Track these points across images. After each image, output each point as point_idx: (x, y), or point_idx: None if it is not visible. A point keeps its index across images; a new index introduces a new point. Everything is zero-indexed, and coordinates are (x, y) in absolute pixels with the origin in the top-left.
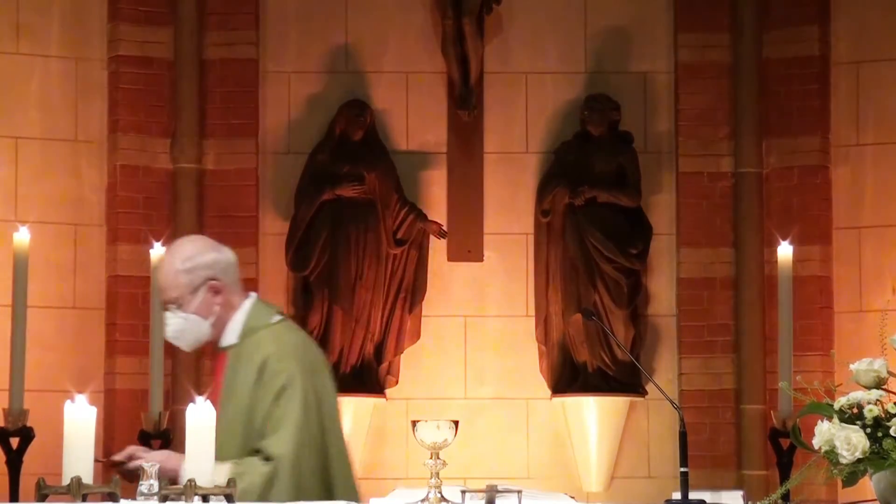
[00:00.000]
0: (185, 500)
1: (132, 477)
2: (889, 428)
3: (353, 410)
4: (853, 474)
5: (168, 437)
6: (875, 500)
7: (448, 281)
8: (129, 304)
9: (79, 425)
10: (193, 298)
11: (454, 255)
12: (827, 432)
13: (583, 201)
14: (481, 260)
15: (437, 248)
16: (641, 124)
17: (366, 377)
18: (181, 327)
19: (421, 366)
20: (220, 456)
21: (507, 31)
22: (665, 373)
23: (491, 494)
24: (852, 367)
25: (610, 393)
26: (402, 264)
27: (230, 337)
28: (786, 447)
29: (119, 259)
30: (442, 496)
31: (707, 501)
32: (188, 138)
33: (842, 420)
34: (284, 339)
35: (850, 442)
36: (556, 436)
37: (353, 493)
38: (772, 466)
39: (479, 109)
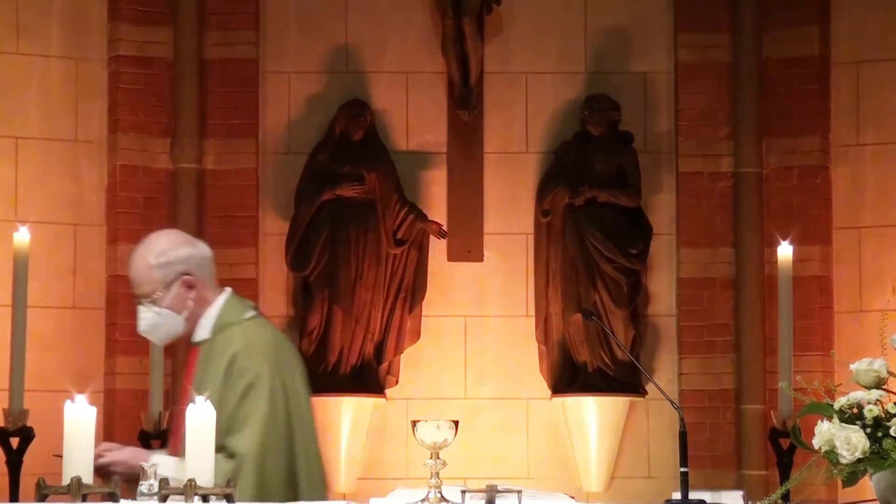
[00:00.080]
0: (186, 501)
1: (102, 475)
2: (889, 428)
3: (353, 410)
4: (853, 474)
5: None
6: (875, 500)
7: (448, 281)
8: (129, 304)
9: (79, 425)
10: (167, 293)
11: (454, 255)
12: (827, 432)
13: (583, 201)
14: (481, 260)
15: (437, 248)
16: (641, 124)
17: (366, 377)
18: (154, 322)
19: (421, 366)
20: None
21: (507, 31)
22: (665, 373)
23: (491, 494)
24: (852, 367)
25: (610, 393)
26: (402, 264)
27: (203, 332)
28: (786, 447)
29: (119, 259)
30: (442, 496)
31: (707, 501)
32: (188, 138)
33: (842, 420)
34: (254, 335)
35: (850, 442)
36: (556, 436)
37: (319, 493)
38: (772, 466)
39: (479, 109)
